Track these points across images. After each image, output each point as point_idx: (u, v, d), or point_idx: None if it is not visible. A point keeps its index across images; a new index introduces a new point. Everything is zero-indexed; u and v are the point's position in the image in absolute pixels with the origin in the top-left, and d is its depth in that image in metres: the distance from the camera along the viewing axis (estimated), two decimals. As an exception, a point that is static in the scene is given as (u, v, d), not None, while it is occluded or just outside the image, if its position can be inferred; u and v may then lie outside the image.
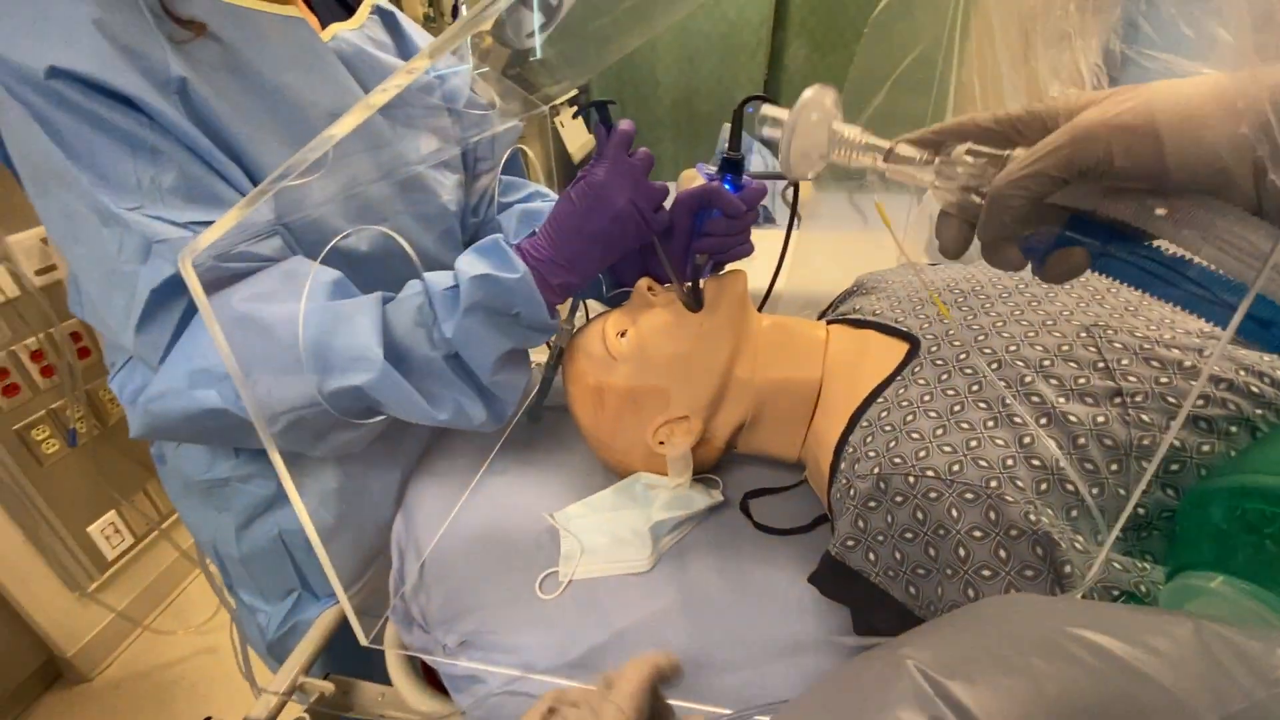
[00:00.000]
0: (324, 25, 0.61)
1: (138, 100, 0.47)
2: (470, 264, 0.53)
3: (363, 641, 0.52)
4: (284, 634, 0.69)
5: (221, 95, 0.51)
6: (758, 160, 2.29)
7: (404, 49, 0.68)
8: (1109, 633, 0.21)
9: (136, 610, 1.53)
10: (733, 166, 0.61)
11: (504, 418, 0.59)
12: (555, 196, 0.79)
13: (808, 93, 0.38)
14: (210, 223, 0.49)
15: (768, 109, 0.39)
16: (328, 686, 0.60)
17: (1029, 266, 0.35)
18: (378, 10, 0.67)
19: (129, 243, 0.48)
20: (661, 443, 0.58)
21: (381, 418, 0.55)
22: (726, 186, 0.60)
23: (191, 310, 0.51)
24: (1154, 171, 0.28)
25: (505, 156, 0.75)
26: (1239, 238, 0.27)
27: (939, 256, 0.69)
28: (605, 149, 0.56)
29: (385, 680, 0.61)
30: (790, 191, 1.62)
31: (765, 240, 1.57)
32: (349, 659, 0.62)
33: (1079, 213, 0.33)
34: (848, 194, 1.18)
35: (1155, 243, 0.31)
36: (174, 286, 0.49)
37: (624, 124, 0.57)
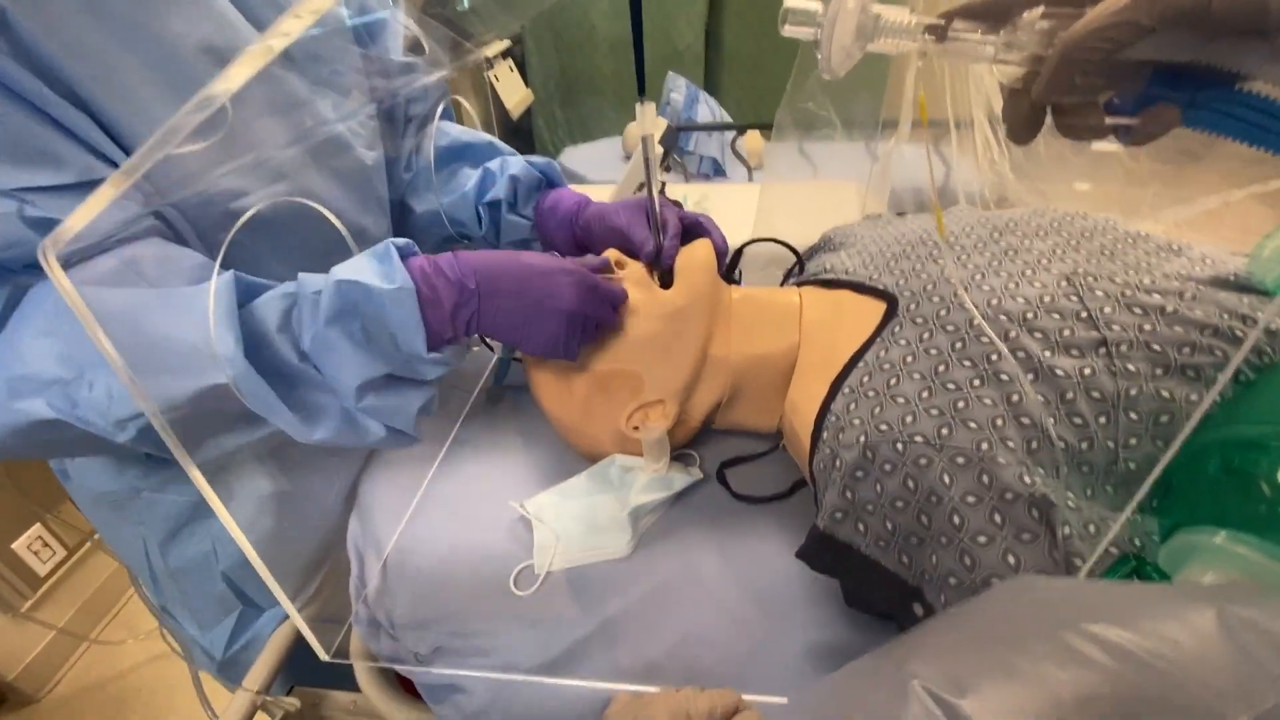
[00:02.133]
0: None
1: None
2: (350, 266, 0.45)
3: (323, 657, 0.49)
4: (235, 653, 0.64)
5: (56, 27, 0.42)
6: (704, 110, 2.22)
7: None
8: (1124, 625, 0.20)
9: (81, 624, 1.44)
10: None
11: (409, 432, 0.50)
12: (512, 151, 0.71)
13: None
14: (50, 188, 0.40)
15: (792, 2, 0.34)
16: (292, 704, 0.57)
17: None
18: None
19: None
20: (636, 428, 0.54)
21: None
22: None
23: (14, 301, 0.42)
24: (1253, 10, 0.26)
25: (440, 106, 0.67)
26: None
27: (905, 208, 0.66)
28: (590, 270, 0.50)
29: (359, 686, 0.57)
30: (741, 143, 1.54)
31: (721, 195, 1.52)
32: (318, 665, 0.58)
33: (1160, 65, 0.31)
34: (797, 144, 1.15)
35: (1245, 87, 0.29)
36: None
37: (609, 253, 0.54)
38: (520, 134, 3.37)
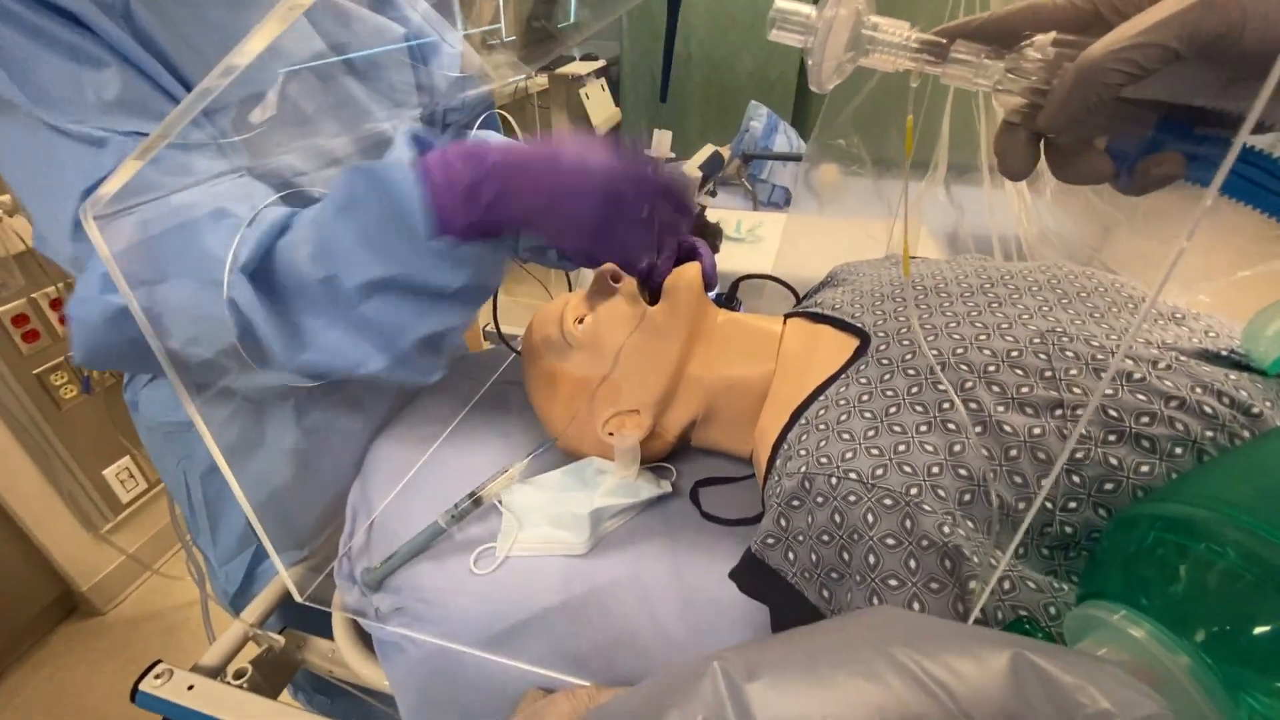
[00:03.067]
0: None
1: (80, 15, 0.46)
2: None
3: (297, 598, 0.54)
4: (246, 589, 0.71)
5: (166, 22, 0.49)
6: (782, 140, 2.23)
7: None
8: (925, 654, 0.20)
9: (149, 553, 1.60)
10: None
11: (410, 364, 0.49)
12: None
13: None
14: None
15: (784, 4, 0.31)
16: (277, 640, 0.62)
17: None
18: None
19: (71, 152, 0.46)
20: (611, 434, 0.57)
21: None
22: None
23: None
24: None
25: (481, 118, 0.73)
26: None
27: (931, 250, 0.64)
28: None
29: (336, 637, 0.62)
30: (815, 174, 1.54)
31: (775, 223, 1.51)
32: (312, 613, 0.63)
33: (1167, 107, 0.28)
34: (873, 180, 1.14)
35: (1259, 146, 0.27)
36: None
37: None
38: (607, 149, 3.48)
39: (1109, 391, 0.38)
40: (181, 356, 0.49)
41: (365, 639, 0.62)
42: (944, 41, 0.31)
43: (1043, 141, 0.31)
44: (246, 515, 0.68)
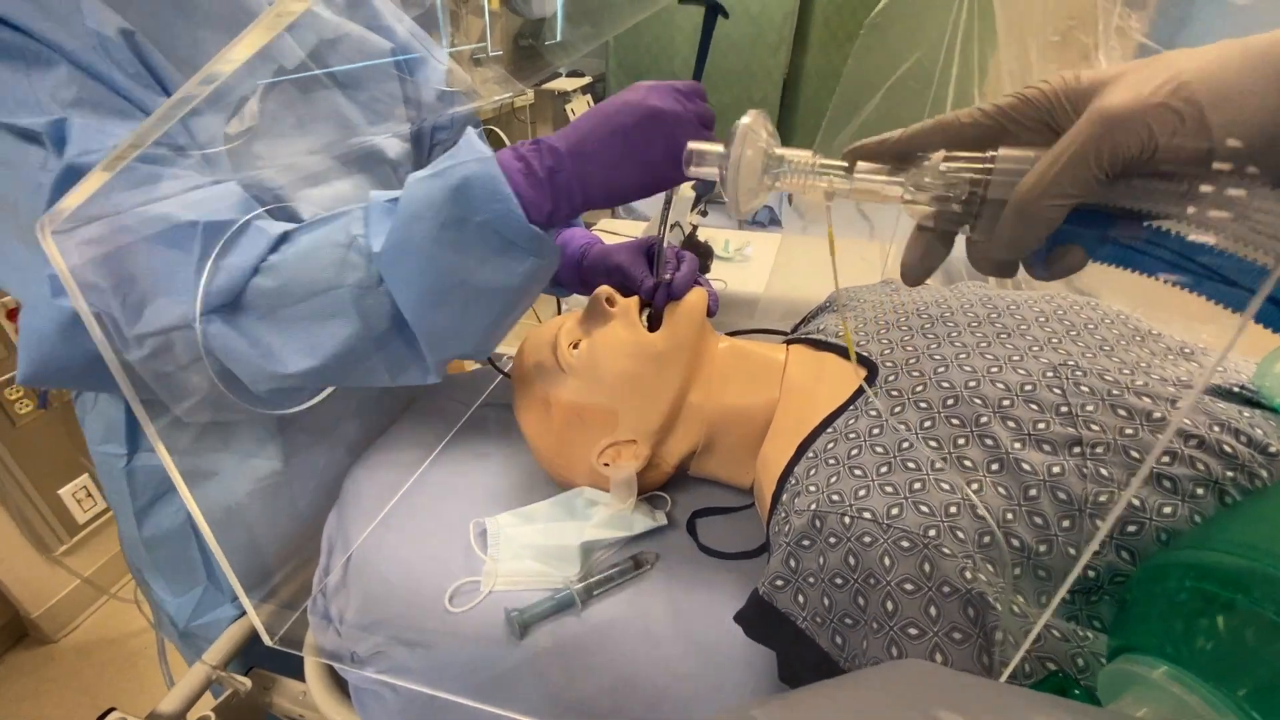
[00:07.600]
0: None
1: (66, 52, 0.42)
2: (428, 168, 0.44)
3: (267, 642, 0.50)
4: (197, 625, 0.66)
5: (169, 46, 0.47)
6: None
7: (366, 10, 0.63)
8: (968, 716, 0.18)
9: (105, 577, 1.52)
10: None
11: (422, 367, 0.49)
12: None
13: (746, 118, 0.34)
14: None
15: (696, 144, 0.36)
16: (244, 683, 0.58)
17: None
18: None
19: (34, 156, 0.41)
20: (606, 465, 0.54)
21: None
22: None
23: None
24: (1197, 154, 0.25)
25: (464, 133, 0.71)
26: (1273, 215, 0.25)
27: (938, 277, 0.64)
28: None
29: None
30: (796, 197, 1.53)
31: (764, 242, 1.51)
32: (278, 651, 0.59)
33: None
34: (855, 202, 1.13)
35: (1159, 225, 0.29)
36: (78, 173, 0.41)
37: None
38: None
39: (1128, 431, 0.37)
40: (141, 374, 0.45)
41: (340, 681, 0.58)
42: (847, 166, 0.34)
43: (959, 236, 0.33)
44: (195, 552, 0.64)
